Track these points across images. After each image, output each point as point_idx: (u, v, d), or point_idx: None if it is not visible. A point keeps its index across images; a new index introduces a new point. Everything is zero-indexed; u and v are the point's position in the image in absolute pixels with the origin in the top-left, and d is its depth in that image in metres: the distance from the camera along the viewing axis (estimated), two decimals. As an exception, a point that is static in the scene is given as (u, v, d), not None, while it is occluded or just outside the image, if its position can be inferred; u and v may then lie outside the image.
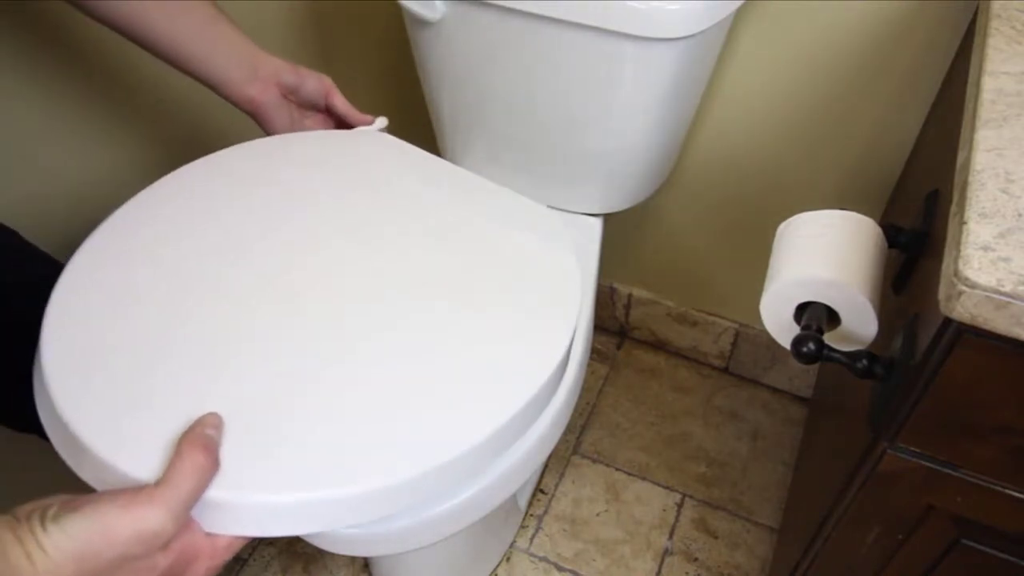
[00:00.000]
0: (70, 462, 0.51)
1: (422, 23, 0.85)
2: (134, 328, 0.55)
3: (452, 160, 1.03)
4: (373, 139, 0.78)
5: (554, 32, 0.79)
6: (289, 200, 0.67)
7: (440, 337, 0.58)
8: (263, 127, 0.76)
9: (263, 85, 0.73)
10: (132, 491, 0.42)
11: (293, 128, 0.76)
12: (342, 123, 0.82)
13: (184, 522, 0.44)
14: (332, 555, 1.07)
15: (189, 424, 0.49)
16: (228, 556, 0.47)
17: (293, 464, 0.49)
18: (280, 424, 0.51)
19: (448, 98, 0.94)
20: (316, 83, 0.77)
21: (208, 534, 0.46)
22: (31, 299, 0.71)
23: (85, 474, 0.50)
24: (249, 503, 0.47)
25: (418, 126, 1.23)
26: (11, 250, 0.72)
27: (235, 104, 0.73)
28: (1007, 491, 0.50)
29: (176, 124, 1.00)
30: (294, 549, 1.07)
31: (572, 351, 0.84)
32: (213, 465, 0.46)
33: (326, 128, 0.80)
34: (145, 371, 0.53)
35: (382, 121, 0.87)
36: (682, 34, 0.76)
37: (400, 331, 0.58)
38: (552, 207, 1.00)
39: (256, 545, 1.08)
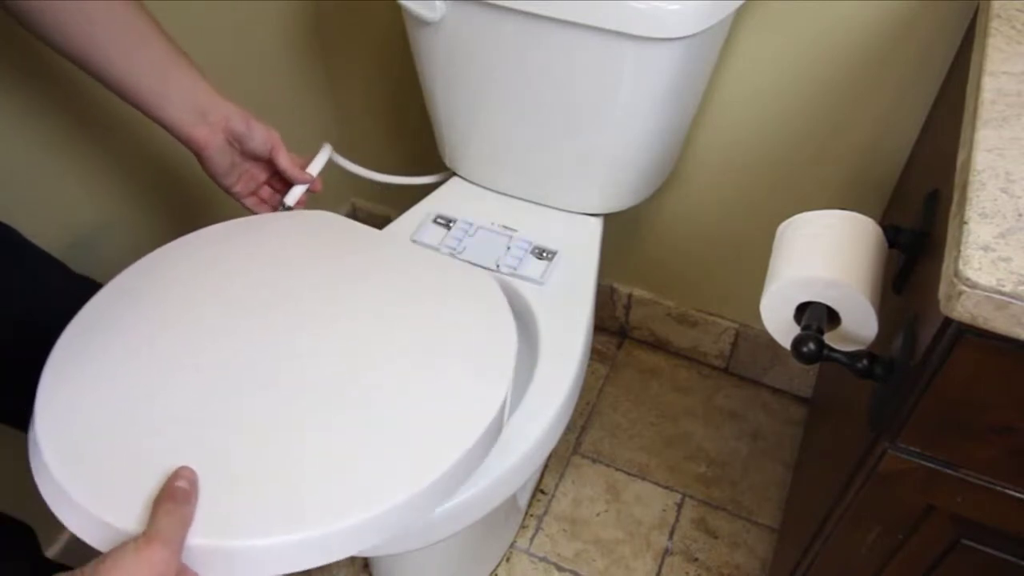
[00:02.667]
0: (62, 518, 0.56)
1: (422, 23, 0.86)
2: (119, 395, 0.63)
3: (452, 160, 1.03)
4: (317, 221, 0.83)
5: (554, 32, 0.79)
6: (253, 284, 0.74)
7: (385, 397, 0.64)
8: (203, 166, 0.77)
9: (210, 130, 0.74)
10: (135, 540, 0.50)
11: (232, 172, 0.78)
12: (283, 181, 0.84)
13: (180, 562, 0.52)
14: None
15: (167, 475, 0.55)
16: None
17: (255, 511, 0.55)
18: (245, 476, 0.57)
19: (447, 98, 0.94)
20: (263, 138, 0.78)
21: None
22: (30, 297, 0.71)
23: (74, 526, 0.56)
24: (224, 548, 0.53)
25: (418, 126, 1.23)
26: (10, 246, 0.72)
27: (181, 142, 0.75)
28: (1007, 491, 0.50)
29: (144, 156, 0.99)
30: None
31: (572, 351, 0.84)
32: (188, 513, 0.53)
33: (263, 176, 0.83)
34: (128, 435, 0.60)
35: (325, 152, 0.87)
36: (682, 34, 0.76)
37: (349, 396, 0.64)
38: (552, 207, 1.00)
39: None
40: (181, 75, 0.71)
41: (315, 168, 0.86)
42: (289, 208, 0.83)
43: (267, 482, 0.57)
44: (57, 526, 0.99)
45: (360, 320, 0.71)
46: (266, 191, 0.84)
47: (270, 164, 0.82)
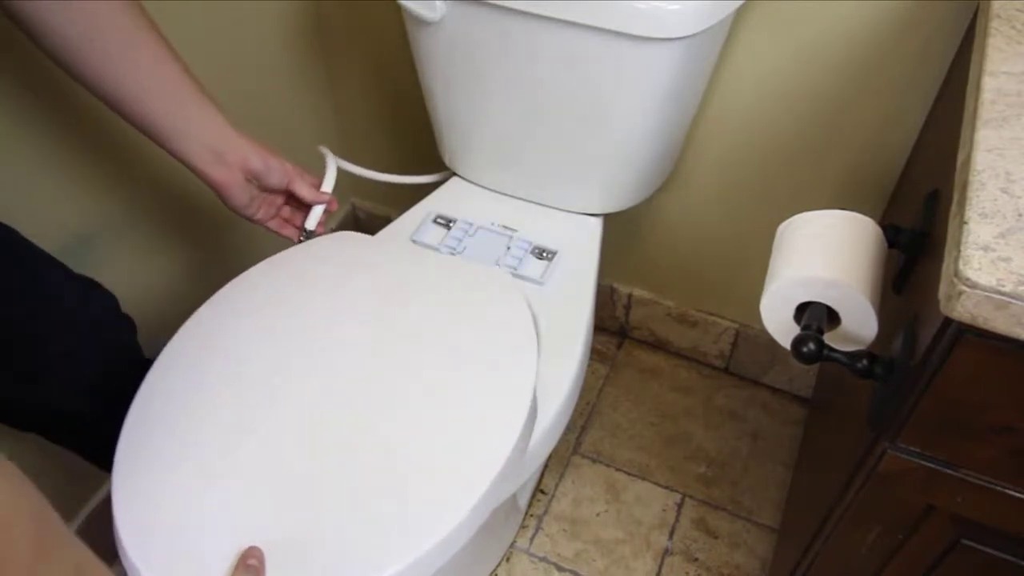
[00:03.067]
0: None
1: (422, 23, 0.85)
2: (189, 471, 0.67)
3: (451, 160, 1.03)
4: (344, 247, 0.87)
5: (553, 32, 0.79)
6: (300, 328, 0.78)
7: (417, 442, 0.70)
8: (224, 202, 0.80)
9: (228, 170, 0.76)
10: None
11: (252, 204, 0.81)
12: (300, 201, 0.87)
13: None
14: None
15: (238, 554, 0.61)
16: None
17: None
18: (315, 552, 0.62)
19: (447, 98, 0.94)
20: (280, 173, 0.81)
21: None
22: (30, 297, 0.71)
23: None
24: None
25: (418, 126, 1.23)
26: (10, 246, 0.72)
27: (201, 181, 0.77)
28: (1007, 491, 0.50)
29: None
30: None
31: (572, 351, 0.84)
32: None
33: (281, 200, 0.86)
34: (200, 513, 0.65)
35: (332, 166, 0.89)
36: (682, 34, 0.76)
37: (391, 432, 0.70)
38: (552, 207, 1.00)
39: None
40: (203, 116, 0.73)
41: (328, 185, 0.88)
42: (311, 230, 0.87)
43: (335, 552, 0.62)
44: (57, 526, 0.99)
45: (394, 354, 0.76)
46: (286, 211, 0.87)
47: (284, 196, 0.85)
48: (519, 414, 0.70)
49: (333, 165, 0.90)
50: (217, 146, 0.75)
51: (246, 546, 0.61)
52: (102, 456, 0.77)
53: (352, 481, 0.66)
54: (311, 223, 0.87)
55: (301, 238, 0.87)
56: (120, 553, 0.62)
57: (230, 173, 0.76)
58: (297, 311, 0.79)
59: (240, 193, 0.78)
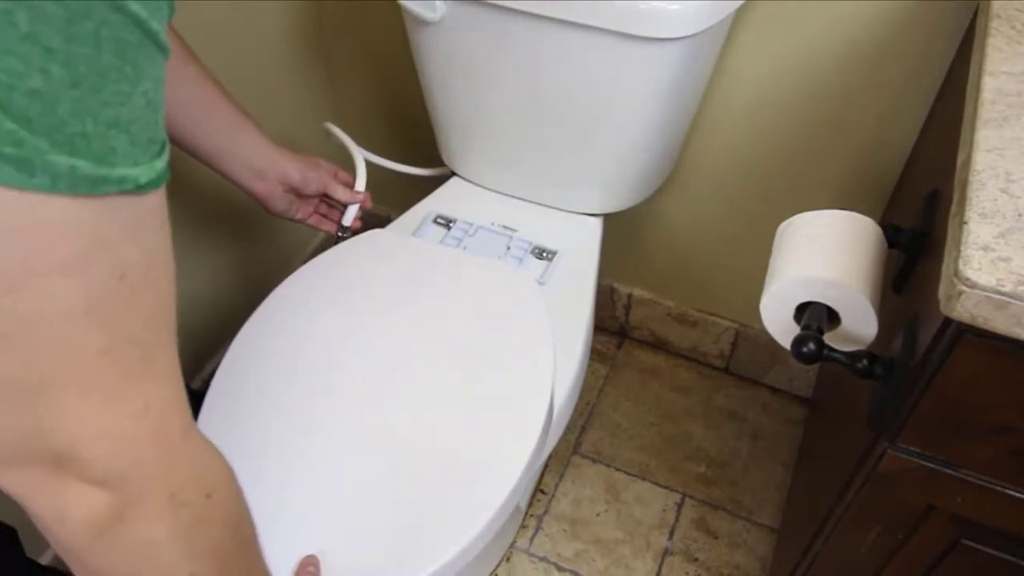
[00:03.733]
0: None
1: (422, 23, 0.85)
2: (249, 480, 0.71)
3: (452, 160, 1.03)
4: (378, 247, 0.92)
5: (553, 32, 0.79)
6: (351, 325, 0.83)
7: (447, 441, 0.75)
8: (266, 210, 0.86)
9: (269, 185, 0.83)
10: None
11: (291, 209, 0.87)
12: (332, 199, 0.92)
13: None
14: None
15: (298, 561, 0.65)
16: None
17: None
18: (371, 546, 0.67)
19: (448, 98, 0.94)
20: (318, 183, 0.86)
21: None
22: None
23: None
24: None
25: (418, 126, 1.23)
26: None
27: (244, 192, 0.83)
28: (1007, 491, 0.50)
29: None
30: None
31: (572, 351, 0.84)
32: None
33: (317, 200, 0.91)
34: (265, 518, 0.68)
35: (362, 163, 0.93)
36: (682, 34, 0.76)
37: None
38: (552, 207, 1.00)
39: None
40: (244, 138, 0.80)
41: (361, 183, 0.92)
42: (347, 228, 0.92)
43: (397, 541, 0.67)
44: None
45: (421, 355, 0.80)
46: (322, 207, 0.92)
47: (320, 199, 0.91)
48: (540, 409, 0.75)
49: (361, 162, 0.94)
50: (258, 164, 0.81)
51: (305, 554, 0.65)
52: None
53: (402, 483, 0.70)
54: (347, 220, 0.91)
55: (339, 234, 0.92)
56: None
57: (270, 187, 0.83)
58: (344, 313, 0.83)
59: (280, 203, 0.85)
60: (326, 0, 1.16)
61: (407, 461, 0.72)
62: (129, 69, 0.29)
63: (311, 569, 0.64)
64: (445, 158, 1.04)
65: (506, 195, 1.01)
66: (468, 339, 0.81)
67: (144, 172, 0.31)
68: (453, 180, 1.04)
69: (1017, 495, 0.50)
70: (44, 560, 0.95)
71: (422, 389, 0.77)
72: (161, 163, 0.32)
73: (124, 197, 0.30)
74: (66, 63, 0.26)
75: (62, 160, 0.27)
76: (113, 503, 0.35)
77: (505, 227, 0.97)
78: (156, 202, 0.33)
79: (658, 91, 0.82)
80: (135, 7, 0.28)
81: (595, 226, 0.98)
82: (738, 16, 0.89)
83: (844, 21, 0.86)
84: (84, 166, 0.28)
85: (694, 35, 0.76)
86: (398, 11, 0.86)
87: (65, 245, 0.29)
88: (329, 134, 1.02)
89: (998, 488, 0.50)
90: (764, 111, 0.98)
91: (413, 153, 1.30)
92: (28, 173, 0.27)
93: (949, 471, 0.51)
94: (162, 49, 0.31)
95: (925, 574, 0.58)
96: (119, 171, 0.29)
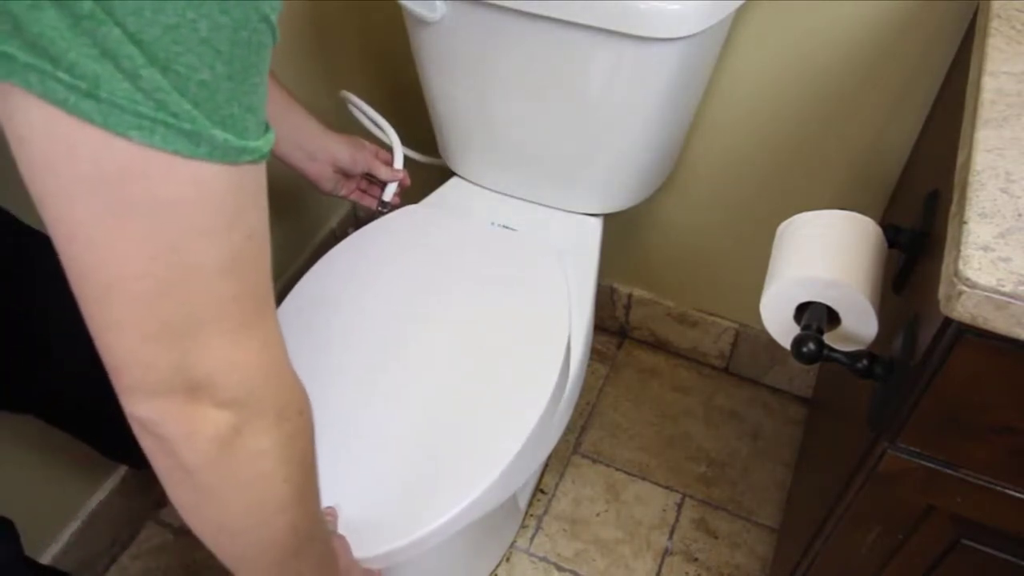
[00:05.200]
0: None
1: (422, 23, 0.86)
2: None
3: (452, 160, 1.03)
4: (417, 220, 0.97)
5: (553, 32, 0.79)
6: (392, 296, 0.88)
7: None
8: (315, 187, 0.93)
9: (319, 165, 0.89)
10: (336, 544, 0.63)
11: (338, 187, 0.94)
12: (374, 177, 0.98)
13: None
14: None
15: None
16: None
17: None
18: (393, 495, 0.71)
19: (447, 98, 0.94)
20: (364, 163, 0.93)
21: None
22: (25, 281, 0.71)
23: None
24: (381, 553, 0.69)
25: (418, 126, 1.23)
26: (11, 233, 0.72)
27: (296, 173, 0.90)
28: (1007, 491, 0.50)
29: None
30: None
31: (573, 351, 0.84)
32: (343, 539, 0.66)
33: (359, 182, 0.97)
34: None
35: (397, 142, 0.98)
36: (682, 34, 0.76)
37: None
38: (552, 207, 1.00)
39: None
40: (297, 123, 0.86)
41: (399, 162, 0.97)
42: (387, 203, 0.97)
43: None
44: (57, 525, 0.99)
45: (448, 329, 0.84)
46: (363, 183, 0.99)
47: (363, 177, 0.97)
48: (555, 365, 0.80)
49: (397, 141, 0.98)
50: (309, 147, 0.87)
51: (324, 506, 0.66)
52: (100, 440, 0.78)
53: (423, 437, 0.74)
54: (387, 196, 0.97)
55: (379, 208, 0.98)
56: None
57: (321, 168, 0.89)
58: (388, 282, 0.89)
59: (329, 182, 0.91)
60: (326, 0, 1.16)
61: (428, 416, 0.76)
62: (262, 64, 0.38)
63: (329, 518, 0.67)
64: (445, 157, 1.04)
65: (506, 195, 1.01)
66: (495, 306, 0.86)
67: (264, 144, 0.38)
68: (453, 180, 1.04)
69: (1017, 495, 0.50)
70: (44, 560, 0.95)
71: (448, 352, 0.81)
72: (272, 136, 0.39)
73: (251, 166, 0.38)
74: (228, 61, 0.34)
75: (218, 134, 0.35)
76: (235, 422, 0.42)
77: (505, 227, 0.97)
78: (263, 174, 0.40)
79: (658, 91, 0.82)
80: (273, 17, 0.38)
81: (595, 226, 0.98)
82: (738, 16, 0.89)
83: (844, 21, 0.86)
84: (232, 139, 0.35)
85: (694, 35, 0.76)
86: (399, 10, 0.86)
87: (218, 210, 0.37)
88: (351, 105, 1.04)
89: (998, 488, 0.50)
90: (764, 111, 0.98)
91: (413, 152, 1.30)
92: (195, 143, 0.34)
93: (949, 471, 0.51)
94: (276, 41, 0.39)
95: (925, 574, 0.58)
96: (252, 143, 0.37)
